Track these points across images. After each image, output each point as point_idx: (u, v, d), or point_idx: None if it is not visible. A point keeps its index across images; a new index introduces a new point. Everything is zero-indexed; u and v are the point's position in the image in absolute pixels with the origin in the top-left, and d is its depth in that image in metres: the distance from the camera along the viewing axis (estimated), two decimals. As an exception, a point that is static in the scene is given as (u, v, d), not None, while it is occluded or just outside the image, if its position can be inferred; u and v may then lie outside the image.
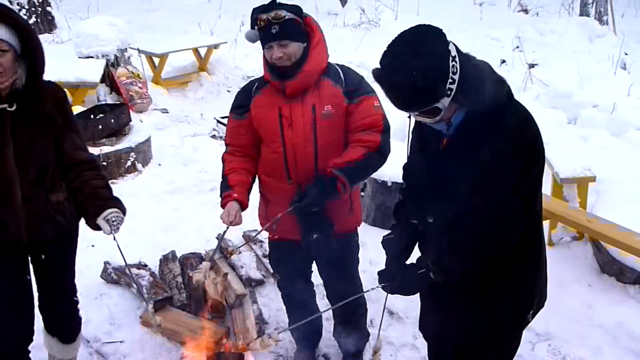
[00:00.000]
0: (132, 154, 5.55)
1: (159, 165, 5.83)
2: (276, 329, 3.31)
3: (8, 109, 2.37)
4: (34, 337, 2.78)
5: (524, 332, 3.48)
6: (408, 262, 2.22)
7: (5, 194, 2.41)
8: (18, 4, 10.12)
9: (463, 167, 1.93)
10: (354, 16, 12.13)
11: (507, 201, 1.90)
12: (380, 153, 2.63)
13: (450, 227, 2.00)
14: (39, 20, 10.60)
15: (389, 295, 2.19)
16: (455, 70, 1.82)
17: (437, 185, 2.04)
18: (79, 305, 2.90)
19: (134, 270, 3.66)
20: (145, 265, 3.80)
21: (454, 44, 1.88)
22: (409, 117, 2.00)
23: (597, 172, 4.37)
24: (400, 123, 4.11)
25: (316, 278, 3.11)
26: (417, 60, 1.78)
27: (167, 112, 7.32)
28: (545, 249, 2.23)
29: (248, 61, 8.95)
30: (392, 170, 4.08)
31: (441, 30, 1.86)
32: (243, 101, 2.73)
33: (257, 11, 2.53)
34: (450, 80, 1.81)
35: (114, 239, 2.55)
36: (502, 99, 1.92)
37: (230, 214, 2.64)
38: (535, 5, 13.82)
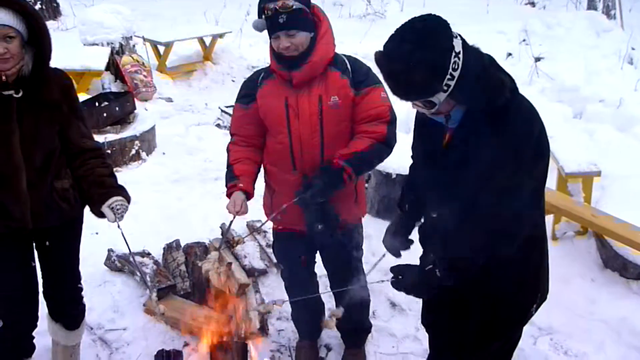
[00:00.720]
0: (137, 142, 5.55)
1: (163, 154, 5.82)
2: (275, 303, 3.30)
3: (14, 95, 2.37)
4: (38, 323, 2.80)
5: (527, 326, 3.50)
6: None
7: (11, 181, 2.42)
8: (23, -10, 10.09)
9: (467, 163, 1.92)
10: (359, 7, 12.08)
11: (516, 196, 1.88)
12: (386, 144, 2.63)
13: (458, 225, 1.98)
14: (44, 7, 10.59)
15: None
16: (456, 67, 1.80)
17: (440, 181, 2.04)
18: (82, 292, 2.91)
19: (138, 259, 3.66)
20: (149, 254, 3.81)
21: (462, 38, 1.85)
22: (413, 106, 1.99)
23: (603, 167, 4.35)
24: (405, 115, 4.12)
25: (319, 269, 3.11)
26: (419, 52, 1.76)
27: (172, 101, 7.32)
28: (548, 243, 2.22)
29: (253, 51, 8.93)
30: (396, 162, 4.07)
31: (448, 23, 1.84)
32: (249, 91, 2.72)
33: (264, 0, 2.51)
34: (449, 76, 1.80)
35: (118, 227, 2.55)
36: (506, 95, 1.90)
37: (237, 204, 2.64)
38: (542, -2, 13.75)
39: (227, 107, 6.56)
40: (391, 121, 2.64)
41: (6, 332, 2.66)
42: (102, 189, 2.57)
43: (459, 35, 1.85)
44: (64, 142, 2.54)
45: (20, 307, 2.67)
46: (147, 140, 5.71)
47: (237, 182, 2.68)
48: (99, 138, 5.08)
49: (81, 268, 2.85)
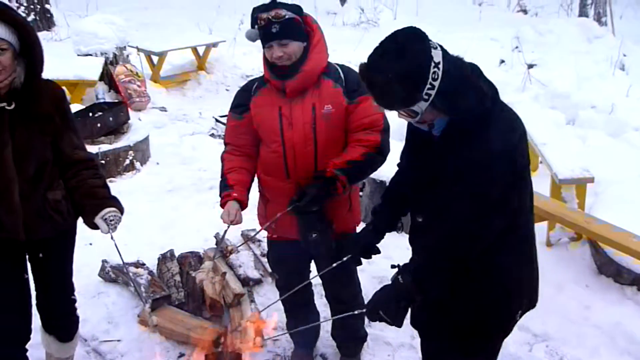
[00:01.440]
0: (131, 152, 5.54)
1: (157, 164, 5.82)
2: (274, 328, 3.31)
3: (7, 107, 2.36)
4: (32, 336, 2.78)
5: (522, 333, 3.49)
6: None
7: (3, 192, 2.41)
8: (17, 1, 10.11)
9: (445, 170, 1.98)
10: (353, 16, 12.14)
11: (483, 202, 1.92)
12: (380, 153, 2.64)
13: (425, 228, 2.05)
14: (37, 17, 10.59)
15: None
16: (436, 77, 1.86)
17: (424, 186, 2.08)
18: (76, 304, 2.89)
19: (132, 269, 3.65)
20: (143, 264, 3.80)
21: (442, 48, 1.91)
22: (399, 115, 2.04)
23: (596, 172, 4.37)
24: (398, 124, 4.13)
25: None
26: (397, 63, 1.84)
27: (166, 111, 7.32)
28: (536, 249, 2.22)
29: (247, 60, 8.95)
30: (391, 170, 4.04)
31: (426, 35, 1.90)
32: (243, 100, 2.73)
33: (257, 10, 2.53)
34: (429, 86, 1.86)
35: (112, 238, 2.54)
36: (486, 104, 1.94)
37: (231, 214, 2.64)
38: (534, 6, 13.85)
39: (221, 116, 6.57)
40: (385, 130, 2.65)
41: (-1, 345, 2.64)
42: (94, 200, 2.57)
43: (440, 45, 1.92)
44: (57, 154, 2.54)
45: (13, 320, 2.65)
46: (141, 150, 5.70)
47: (231, 191, 2.68)
48: (92, 148, 5.09)
49: (75, 279, 2.84)
